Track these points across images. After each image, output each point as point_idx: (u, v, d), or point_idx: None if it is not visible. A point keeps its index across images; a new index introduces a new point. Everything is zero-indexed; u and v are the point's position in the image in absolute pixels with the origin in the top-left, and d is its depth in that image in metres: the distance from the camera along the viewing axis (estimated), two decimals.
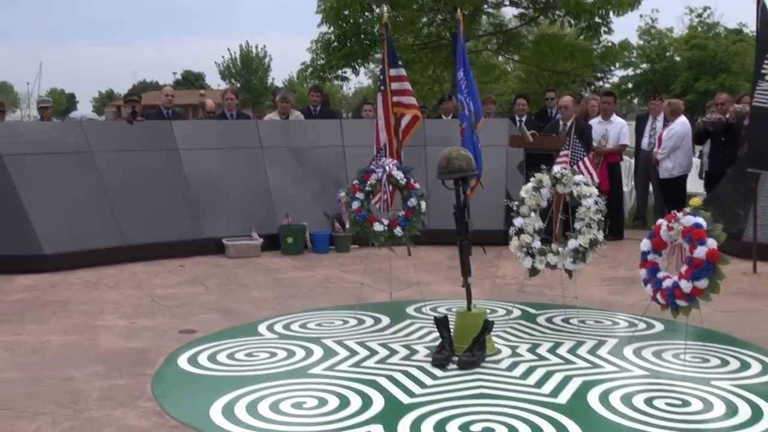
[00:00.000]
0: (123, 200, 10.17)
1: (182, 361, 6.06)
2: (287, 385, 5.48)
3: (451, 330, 6.10)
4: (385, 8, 11.10)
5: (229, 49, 57.02)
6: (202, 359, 6.10)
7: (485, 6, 21.32)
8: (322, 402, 5.14)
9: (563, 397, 5.23)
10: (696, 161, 12.79)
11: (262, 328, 7.01)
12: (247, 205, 10.83)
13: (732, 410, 4.98)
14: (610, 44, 22.14)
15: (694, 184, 12.63)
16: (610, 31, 20.72)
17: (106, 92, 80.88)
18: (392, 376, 5.64)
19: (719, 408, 5.02)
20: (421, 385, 5.46)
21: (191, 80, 68.31)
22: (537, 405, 5.04)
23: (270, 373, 5.75)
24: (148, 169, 10.48)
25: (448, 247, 8.88)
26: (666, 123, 11.96)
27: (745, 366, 5.85)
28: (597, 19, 20.06)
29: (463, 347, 5.94)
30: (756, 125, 8.86)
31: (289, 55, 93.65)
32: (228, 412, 4.99)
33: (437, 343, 6.11)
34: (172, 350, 6.31)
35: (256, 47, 56.57)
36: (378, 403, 5.14)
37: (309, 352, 6.25)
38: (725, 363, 5.92)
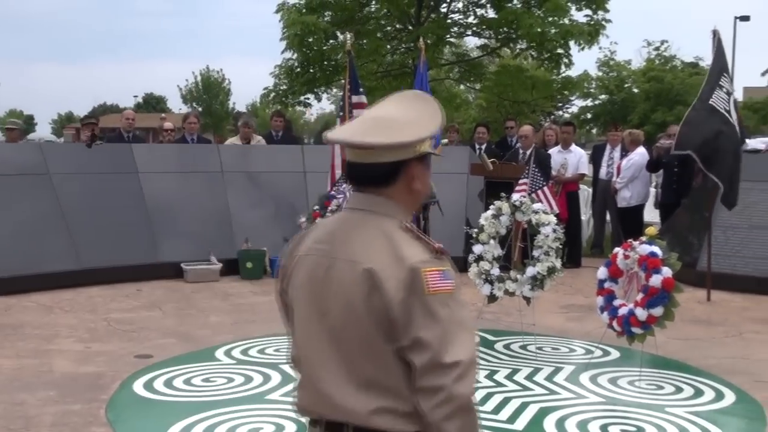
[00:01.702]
0: (80, 223, 10.05)
1: (138, 387, 5.99)
2: (244, 410, 5.44)
3: None
4: (349, 36, 11.19)
5: (193, 72, 56.91)
6: (158, 384, 6.04)
7: (448, 36, 21.53)
8: (279, 428, 5.12)
9: (520, 424, 5.26)
10: (652, 191, 12.98)
11: (219, 353, 6.96)
12: (207, 229, 10.76)
13: None
14: (569, 77, 22.50)
15: (651, 214, 12.81)
16: (570, 63, 21.05)
17: (65, 114, 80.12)
18: None
19: None
20: None
21: (152, 103, 67.95)
22: (494, 431, 5.06)
23: (227, 399, 5.71)
24: (107, 192, 10.38)
25: None
26: (624, 153, 12.13)
27: (698, 393, 5.93)
28: (559, 50, 20.38)
29: None
30: (700, 115, 8.83)
31: (251, 79, 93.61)
32: None
33: None
34: (128, 375, 6.24)
35: (216, 71, 56.51)
36: None
37: (267, 378, 6.22)
38: (679, 390, 6.00)
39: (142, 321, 8.11)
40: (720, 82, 8.87)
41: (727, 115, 8.75)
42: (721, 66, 9.10)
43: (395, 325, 2.08)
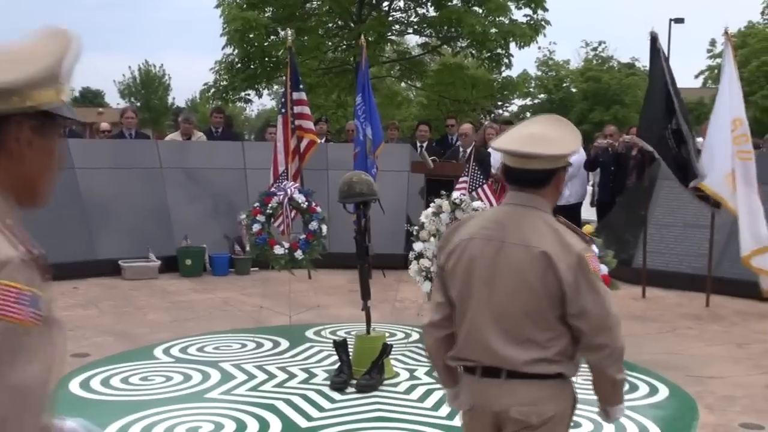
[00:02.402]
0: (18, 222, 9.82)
1: (74, 386, 5.89)
2: (183, 409, 5.39)
3: (350, 353, 6.12)
4: (290, 32, 11.13)
5: (130, 67, 56.03)
6: (95, 384, 5.95)
7: (389, 33, 21.59)
8: (219, 426, 5.08)
9: (459, 420, 5.29)
10: (589, 189, 13.17)
11: (158, 351, 6.88)
12: (145, 226, 10.63)
13: (620, 431, 5.14)
14: (509, 77, 22.75)
15: (588, 212, 13.01)
16: (510, 64, 21.29)
17: None
18: (290, 400, 5.62)
19: (608, 429, 5.16)
20: (320, 408, 5.45)
21: (89, 98, 66.65)
22: (434, 428, 5.10)
23: (165, 398, 5.65)
24: None
25: (348, 271, 8.91)
26: None
27: (633, 388, 6.05)
28: (499, 50, 20.58)
29: (361, 370, 5.96)
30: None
31: (191, 75, 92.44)
32: None
33: (336, 366, 6.11)
34: (64, 374, 6.13)
35: (155, 66, 55.73)
36: (275, 427, 5.11)
37: (206, 376, 6.17)
38: None
39: (79, 319, 7.97)
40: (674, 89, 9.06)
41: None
42: (665, 68, 9.25)
43: (564, 297, 2.68)
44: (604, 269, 2.79)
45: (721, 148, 8.49)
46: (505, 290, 2.75)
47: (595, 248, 2.79)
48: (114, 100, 59.07)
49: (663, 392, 5.97)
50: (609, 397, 2.98)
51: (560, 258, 2.68)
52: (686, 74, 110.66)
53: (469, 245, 2.84)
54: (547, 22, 20.54)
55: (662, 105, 8.99)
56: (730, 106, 8.53)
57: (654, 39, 9.25)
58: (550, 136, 2.79)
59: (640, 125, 9.66)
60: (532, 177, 2.80)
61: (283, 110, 10.09)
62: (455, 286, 2.88)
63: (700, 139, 10.14)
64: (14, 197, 1.59)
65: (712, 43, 38.28)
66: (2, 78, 1.46)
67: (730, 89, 8.67)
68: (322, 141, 12.49)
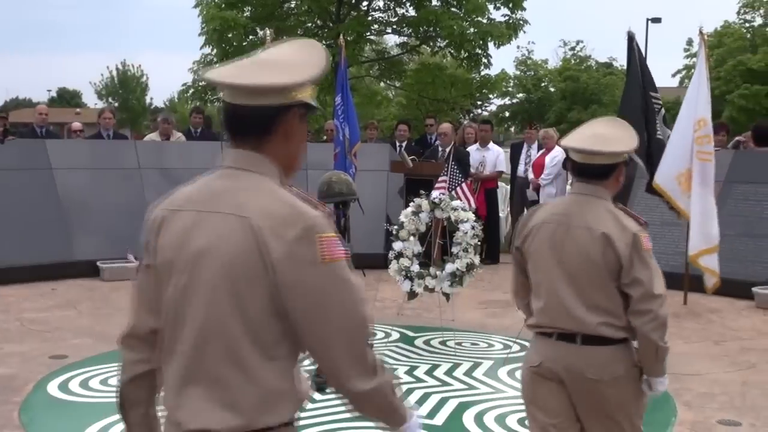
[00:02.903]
0: None
1: (52, 388, 5.85)
2: (162, 410, 5.36)
3: None
4: (269, 32, 11.12)
5: (108, 68, 55.68)
6: (74, 386, 5.92)
7: (368, 33, 21.59)
8: None
9: (440, 419, 5.32)
10: (568, 188, 13.23)
11: None
12: (124, 226, 10.52)
13: None
14: (488, 76, 22.81)
15: None
16: (489, 63, 21.35)
17: None
18: None
19: None
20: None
21: (67, 98, 66.21)
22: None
23: None
24: (19, 189, 10.08)
25: None
26: (541, 151, 12.30)
27: None
28: (478, 50, 20.63)
29: None
30: (657, 156, 9.05)
31: (169, 75, 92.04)
32: None
33: (316, 366, 6.09)
34: (42, 376, 6.09)
35: (133, 66, 55.44)
36: None
37: None
38: None
39: (57, 321, 7.92)
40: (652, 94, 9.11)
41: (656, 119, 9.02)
42: (644, 70, 9.31)
43: (621, 269, 3.23)
44: (650, 242, 3.38)
45: (680, 148, 8.54)
46: (574, 265, 3.29)
47: (647, 231, 3.34)
48: (91, 100, 58.68)
49: None
50: (652, 367, 3.31)
51: (618, 237, 3.24)
52: (664, 73, 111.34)
53: (541, 229, 3.42)
54: (525, 22, 20.64)
55: (638, 105, 9.06)
56: (696, 106, 8.58)
57: (631, 38, 9.31)
58: (611, 136, 3.35)
59: None
60: (597, 171, 3.37)
61: None
62: (531, 263, 3.47)
63: None
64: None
65: (689, 42, 38.64)
66: (286, 79, 2.02)
67: (698, 89, 8.72)
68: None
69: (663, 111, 9.18)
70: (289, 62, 2.07)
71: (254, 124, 2.07)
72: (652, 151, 8.98)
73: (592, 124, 3.50)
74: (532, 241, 3.44)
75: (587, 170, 3.38)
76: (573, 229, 3.32)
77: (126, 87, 54.48)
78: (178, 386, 2.11)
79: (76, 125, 12.98)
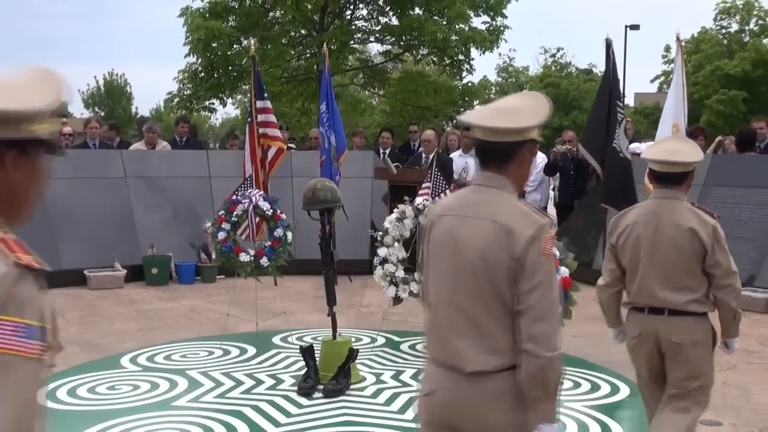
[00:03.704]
0: None
1: (40, 397, 5.80)
2: (150, 418, 5.35)
3: (317, 359, 6.11)
4: (253, 41, 11.09)
5: (95, 77, 55.42)
6: (62, 394, 5.88)
7: (352, 42, 21.61)
8: None
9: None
10: (551, 193, 13.27)
11: (125, 360, 6.82)
12: (110, 235, 10.52)
13: (583, 430, 5.19)
14: (470, 84, 22.89)
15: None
16: (471, 70, 21.43)
17: None
18: (258, 406, 5.60)
19: (572, 428, 5.22)
20: (287, 414, 5.44)
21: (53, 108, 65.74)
22: (400, 431, 5.10)
23: (133, 407, 5.60)
24: None
25: (314, 277, 8.89)
26: None
27: (595, 387, 6.11)
28: (460, 57, 20.70)
29: (328, 375, 5.96)
30: (609, 165, 9.20)
31: (154, 84, 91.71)
32: None
33: (303, 372, 6.10)
34: None
35: (119, 76, 55.21)
36: None
37: (173, 384, 6.12)
38: (577, 385, 6.17)
39: None
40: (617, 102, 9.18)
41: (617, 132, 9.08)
42: (614, 78, 9.37)
43: (706, 255, 3.95)
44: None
45: None
46: (665, 255, 3.98)
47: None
48: (78, 109, 58.36)
49: (624, 391, 6.04)
50: (729, 328, 4.09)
51: (702, 230, 3.94)
52: (643, 79, 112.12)
53: (633, 228, 4.11)
54: (506, 27, 20.73)
55: (604, 114, 9.15)
56: (674, 111, 8.67)
57: (608, 45, 9.36)
58: (682, 149, 4.13)
59: (584, 134, 9.71)
60: (674, 177, 4.06)
61: (249, 119, 10.04)
62: (626, 257, 4.15)
63: (636, 144, 10.36)
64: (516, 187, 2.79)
65: (667, 48, 38.79)
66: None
67: (675, 95, 8.82)
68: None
69: (625, 121, 9.24)
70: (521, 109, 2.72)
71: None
72: (604, 157, 9.11)
73: (666, 140, 4.54)
74: (626, 238, 4.13)
75: (667, 177, 4.07)
76: (662, 226, 4.00)
77: (112, 96, 54.24)
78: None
79: (67, 129, 12.91)
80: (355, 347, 6.17)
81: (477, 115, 2.86)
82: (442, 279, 2.75)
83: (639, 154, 10.04)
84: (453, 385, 2.70)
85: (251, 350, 7.14)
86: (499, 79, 41.67)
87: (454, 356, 2.69)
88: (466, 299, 2.66)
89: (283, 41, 20.58)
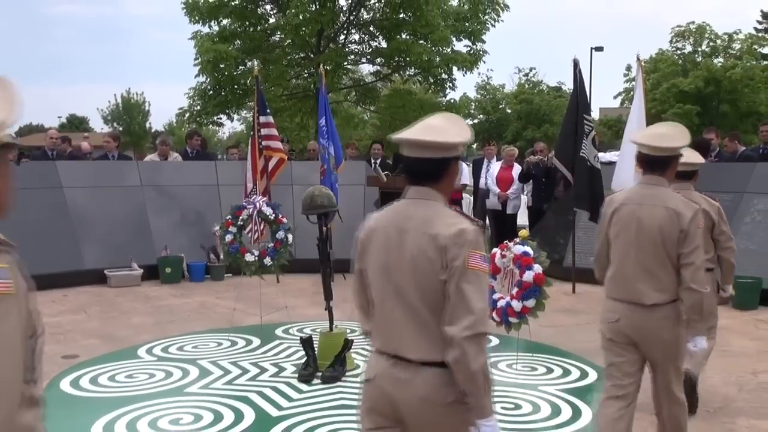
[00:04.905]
0: (7, 235, 9.60)
1: (65, 385, 5.78)
2: (165, 403, 5.32)
3: (315, 348, 6.08)
4: (256, 63, 11.09)
5: (115, 95, 55.22)
6: (84, 382, 5.85)
7: (346, 63, 21.61)
8: (198, 417, 5.02)
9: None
10: (524, 198, 13.28)
11: (141, 351, 6.78)
12: (128, 238, 10.47)
13: (556, 411, 5.18)
14: (452, 100, 22.92)
15: (521, 218, 13.10)
16: (454, 87, 21.44)
17: None
18: (262, 392, 5.57)
19: (545, 410, 5.21)
20: (289, 399, 5.42)
21: (75, 124, 65.51)
22: None
23: (149, 393, 5.57)
24: (33, 206, 9.95)
25: (312, 275, 8.84)
26: (498, 163, 12.31)
27: (566, 372, 6.11)
28: (444, 76, 20.71)
29: (326, 364, 5.94)
30: (578, 172, 9.24)
31: (167, 100, 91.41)
32: (109, 430, 4.80)
33: (303, 360, 6.08)
34: (55, 374, 6.01)
35: (136, 94, 55.03)
36: (249, 417, 5.07)
37: (185, 373, 6.09)
38: (550, 371, 6.16)
39: (69, 324, 7.83)
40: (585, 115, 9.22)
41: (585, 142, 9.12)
42: (581, 94, 9.40)
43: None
44: None
45: (628, 161, 8.66)
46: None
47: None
48: (98, 125, 58.14)
49: (592, 375, 6.03)
50: (728, 277, 4.81)
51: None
52: (607, 95, 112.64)
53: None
54: (485, 52, 20.78)
55: (572, 127, 9.20)
56: (637, 124, 8.71)
57: (575, 65, 9.39)
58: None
59: (556, 145, 9.78)
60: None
61: (252, 133, 10.04)
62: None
63: (603, 154, 10.38)
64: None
65: (628, 68, 38.84)
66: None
67: (638, 109, 8.87)
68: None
69: (593, 133, 9.27)
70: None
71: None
72: (574, 166, 9.17)
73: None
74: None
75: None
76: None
77: (129, 113, 54.06)
78: None
79: (86, 146, 12.87)
80: (350, 338, 6.15)
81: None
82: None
83: (607, 163, 10.08)
84: (636, 314, 3.81)
85: (256, 341, 7.11)
86: (479, 96, 41.66)
87: (637, 295, 3.80)
88: (644, 258, 3.78)
89: (283, 63, 20.54)
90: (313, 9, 19.55)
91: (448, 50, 20.18)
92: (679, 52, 38.21)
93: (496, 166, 12.27)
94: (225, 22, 20.33)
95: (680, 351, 3.88)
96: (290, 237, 7.41)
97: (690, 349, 3.89)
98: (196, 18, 19.92)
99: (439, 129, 2.60)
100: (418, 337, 2.55)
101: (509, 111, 41.88)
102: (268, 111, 10.37)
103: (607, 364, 4.01)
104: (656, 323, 3.77)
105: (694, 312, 3.72)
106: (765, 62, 36.84)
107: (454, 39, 20.26)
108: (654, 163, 3.83)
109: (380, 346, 2.68)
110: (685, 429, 4.04)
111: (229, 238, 7.33)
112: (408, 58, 20.07)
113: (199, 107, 21.72)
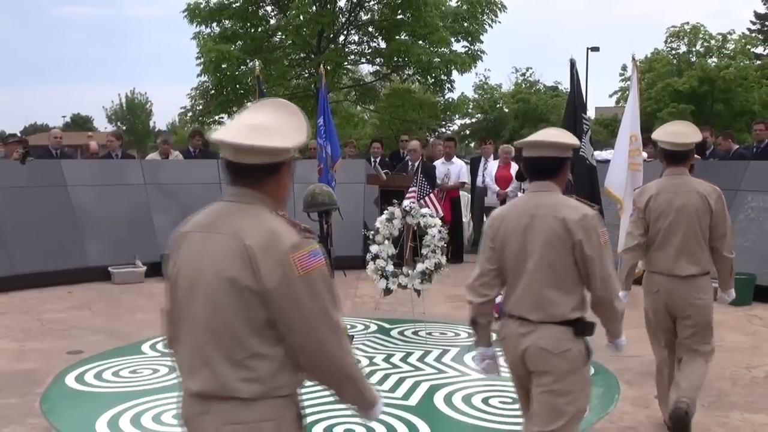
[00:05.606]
0: (13, 232, 9.61)
1: (70, 380, 5.78)
2: (169, 398, 5.31)
3: None
4: (257, 63, 11.08)
5: (119, 95, 55.21)
6: (89, 377, 5.84)
7: (346, 63, 21.58)
8: None
9: (413, 400, 5.30)
10: (520, 195, 13.25)
11: (145, 347, 6.78)
12: (132, 235, 10.46)
13: None
14: (451, 100, 22.91)
15: None
16: (452, 87, 21.43)
17: None
18: None
19: None
20: None
21: (80, 123, 65.44)
22: (391, 407, 5.08)
23: (153, 388, 5.56)
24: (38, 204, 9.96)
25: None
26: (496, 162, 12.32)
27: None
28: (443, 77, 20.69)
29: None
30: (578, 171, 9.20)
31: (170, 100, 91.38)
32: (113, 424, 4.80)
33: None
34: (60, 370, 6.01)
35: (140, 94, 55.03)
36: None
37: None
38: None
39: (74, 320, 7.83)
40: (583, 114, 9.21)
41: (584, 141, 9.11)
42: (578, 93, 9.39)
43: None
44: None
45: (622, 159, 8.71)
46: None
47: None
48: (102, 124, 58.07)
49: (591, 373, 6.01)
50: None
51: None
52: (602, 95, 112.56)
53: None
54: (483, 52, 20.76)
55: (571, 125, 9.17)
56: (630, 123, 8.72)
57: (572, 65, 9.37)
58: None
59: None
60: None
61: None
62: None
63: (599, 152, 10.37)
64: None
65: (624, 68, 38.90)
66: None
67: (632, 108, 8.87)
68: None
69: (590, 132, 9.27)
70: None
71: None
72: (573, 164, 9.14)
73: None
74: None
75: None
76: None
77: (133, 112, 54.06)
78: None
79: (93, 146, 12.88)
80: (350, 333, 6.15)
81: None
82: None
83: (603, 161, 10.07)
84: (673, 285, 4.51)
85: None
86: (476, 96, 41.63)
87: (676, 268, 4.45)
88: (683, 238, 4.44)
89: (284, 63, 20.53)
90: (314, 10, 19.54)
91: (447, 51, 20.15)
92: (673, 52, 38.22)
93: (493, 165, 12.28)
94: (227, 23, 20.31)
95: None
96: None
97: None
98: (198, 21, 19.93)
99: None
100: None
101: (506, 110, 41.82)
102: None
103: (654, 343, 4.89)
104: (691, 292, 4.47)
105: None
106: (758, 62, 36.87)
107: (452, 40, 20.23)
108: (677, 156, 4.48)
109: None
110: (702, 379, 4.58)
111: None
112: (407, 59, 20.06)
113: (201, 107, 21.71)
